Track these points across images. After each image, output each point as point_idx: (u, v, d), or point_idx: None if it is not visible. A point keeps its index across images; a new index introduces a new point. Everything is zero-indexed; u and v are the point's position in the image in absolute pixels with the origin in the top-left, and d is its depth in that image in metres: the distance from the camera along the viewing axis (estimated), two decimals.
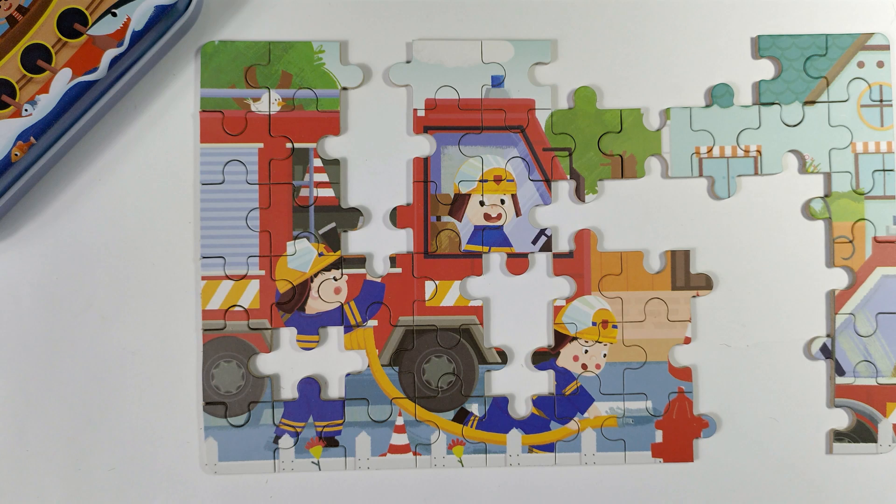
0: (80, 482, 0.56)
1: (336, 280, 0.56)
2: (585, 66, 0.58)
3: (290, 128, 0.56)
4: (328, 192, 0.57)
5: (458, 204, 0.57)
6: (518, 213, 0.57)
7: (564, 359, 0.57)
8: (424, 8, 0.58)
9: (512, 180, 0.57)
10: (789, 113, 0.58)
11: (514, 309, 0.57)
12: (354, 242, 0.57)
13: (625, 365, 0.57)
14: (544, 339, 0.57)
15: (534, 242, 0.57)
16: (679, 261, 0.57)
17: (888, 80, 0.58)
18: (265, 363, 0.56)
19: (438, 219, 0.57)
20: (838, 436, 0.57)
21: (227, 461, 0.56)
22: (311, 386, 0.56)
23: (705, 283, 0.57)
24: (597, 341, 0.57)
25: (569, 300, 0.57)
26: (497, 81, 0.57)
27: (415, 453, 0.56)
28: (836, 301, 0.57)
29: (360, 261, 0.57)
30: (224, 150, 0.56)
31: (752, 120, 0.58)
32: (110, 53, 0.52)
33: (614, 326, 0.57)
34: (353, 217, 0.57)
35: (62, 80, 0.52)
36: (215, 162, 0.56)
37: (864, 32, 0.58)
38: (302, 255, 0.56)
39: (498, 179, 0.57)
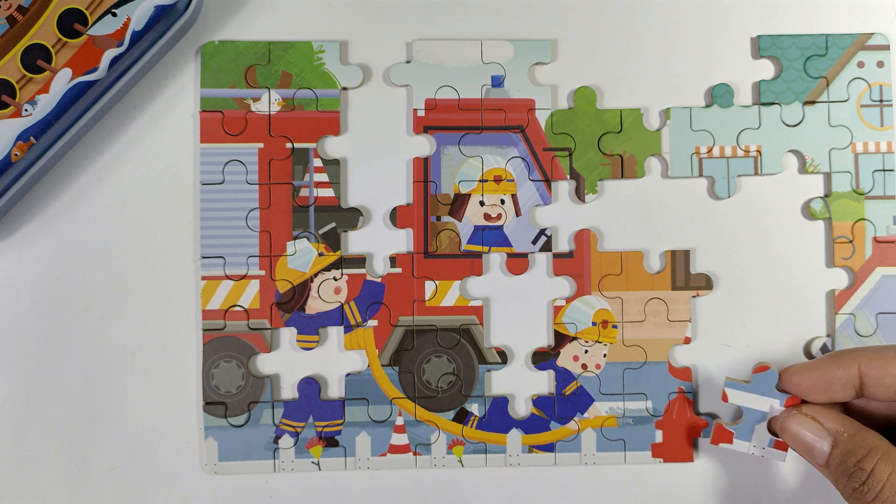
0: (80, 482, 0.56)
1: (336, 280, 0.56)
2: (585, 66, 0.58)
3: (290, 128, 0.56)
4: (328, 192, 0.57)
5: (458, 204, 0.57)
6: (518, 213, 0.57)
7: (564, 359, 0.57)
8: (424, 8, 0.58)
9: (512, 180, 0.57)
10: (789, 113, 0.58)
11: (514, 309, 0.57)
12: (354, 242, 0.57)
13: (625, 365, 0.57)
14: (544, 339, 0.57)
15: (534, 242, 0.57)
16: (679, 261, 0.57)
17: (888, 80, 0.58)
18: (265, 363, 0.56)
19: (438, 219, 0.57)
20: None
21: (227, 461, 0.56)
22: (311, 386, 0.56)
23: (705, 283, 0.57)
24: (597, 341, 0.57)
25: (569, 300, 0.57)
26: (497, 81, 0.57)
27: (415, 453, 0.56)
28: (836, 301, 0.57)
29: (360, 261, 0.57)
30: (224, 150, 0.56)
31: (752, 120, 0.58)
32: (110, 53, 0.52)
33: (614, 326, 0.57)
34: (353, 217, 0.57)
35: (62, 80, 0.52)
36: (215, 162, 0.56)
37: (864, 32, 0.58)
38: (302, 255, 0.56)
39: (498, 179, 0.57)
